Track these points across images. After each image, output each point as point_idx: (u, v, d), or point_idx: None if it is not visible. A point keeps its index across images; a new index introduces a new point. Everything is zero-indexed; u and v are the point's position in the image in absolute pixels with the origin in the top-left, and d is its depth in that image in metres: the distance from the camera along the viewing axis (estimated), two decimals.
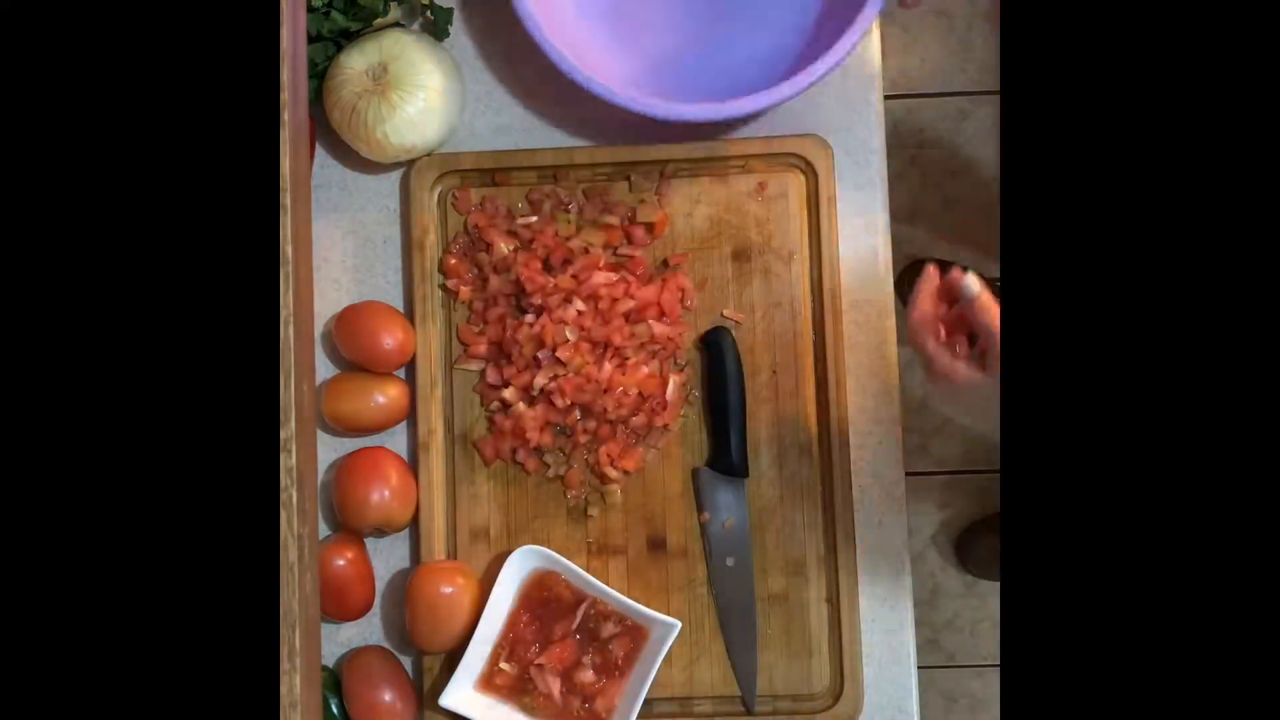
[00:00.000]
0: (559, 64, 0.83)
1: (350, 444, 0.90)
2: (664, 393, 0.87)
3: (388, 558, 0.90)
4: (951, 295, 0.70)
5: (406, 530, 0.90)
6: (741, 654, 0.86)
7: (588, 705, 0.84)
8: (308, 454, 0.61)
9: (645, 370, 0.87)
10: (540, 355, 0.87)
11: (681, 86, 0.90)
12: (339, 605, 0.87)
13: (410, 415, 0.90)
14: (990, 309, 0.67)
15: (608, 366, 0.86)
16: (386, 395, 0.88)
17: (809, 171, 0.89)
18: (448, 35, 0.91)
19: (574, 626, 0.85)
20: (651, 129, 0.87)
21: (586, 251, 0.89)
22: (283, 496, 0.57)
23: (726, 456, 0.86)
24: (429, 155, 0.90)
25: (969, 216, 1.63)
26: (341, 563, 0.86)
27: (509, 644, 0.85)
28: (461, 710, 0.84)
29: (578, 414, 0.87)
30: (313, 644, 0.61)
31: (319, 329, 0.91)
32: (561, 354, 0.86)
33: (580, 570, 0.84)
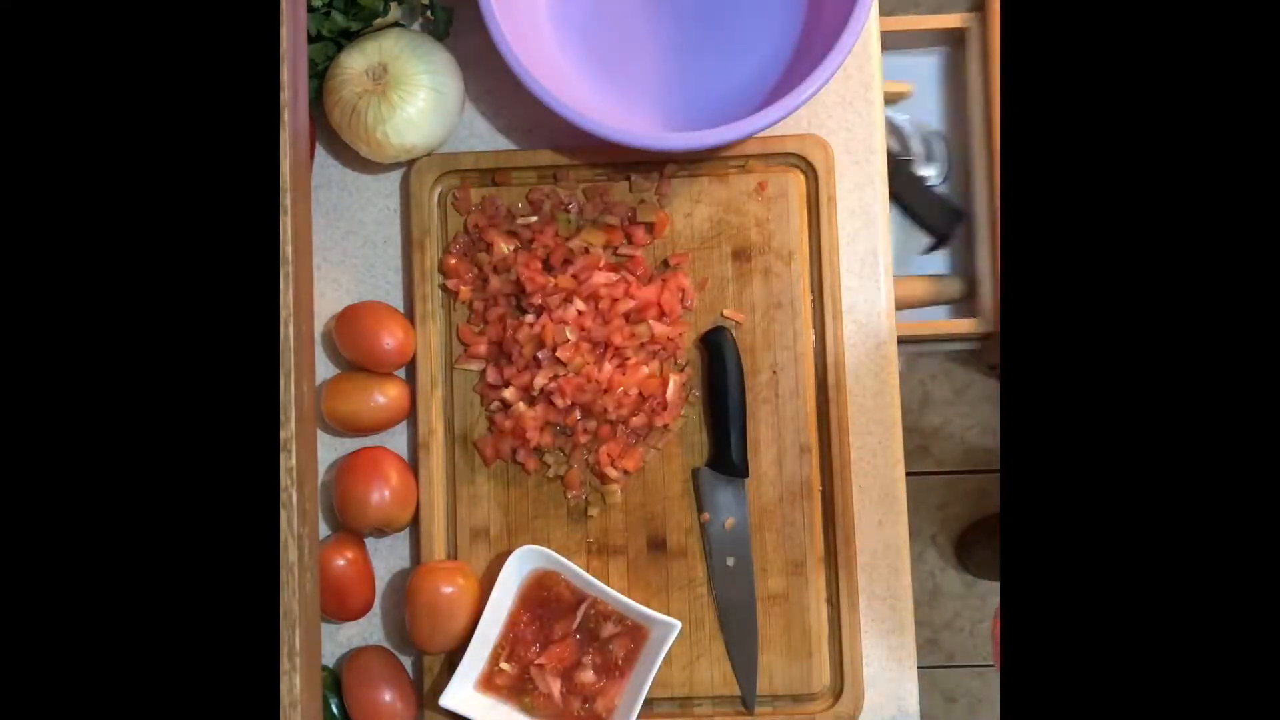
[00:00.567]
0: (548, 102, 0.84)
1: (350, 444, 0.90)
2: (664, 393, 0.87)
3: (388, 558, 0.90)
4: None
5: (406, 530, 0.90)
6: (741, 654, 0.86)
7: (588, 705, 0.84)
8: (308, 454, 0.61)
9: (645, 370, 0.87)
10: (540, 355, 0.87)
11: (668, 113, 0.91)
12: (339, 605, 0.87)
13: (410, 415, 0.90)
14: None
15: (608, 366, 0.87)
16: (386, 395, 0.88)
17: (809, 171, 0.89)
18: (448, 35, 0.92)
19: (574, 626, 0.85)
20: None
21: (586, 251, 0.89)
22: (283, 496, 0.57)
23: (726, 456, 0.86)
24: (429, 155, 0.90)
25: None
26: (341, 563, 0.86)
27: (509, 644, 0.85)
28: (461, 710, 0.84)
29: (578, 414, 0.87)
30: (313, 644, 0.61)
31: (319, 329, 0.91)
32: (561, 354, 0.86)
33: (580, 570, 0.84)
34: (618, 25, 0.92)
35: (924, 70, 1.43)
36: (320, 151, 0.93)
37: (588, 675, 0.84)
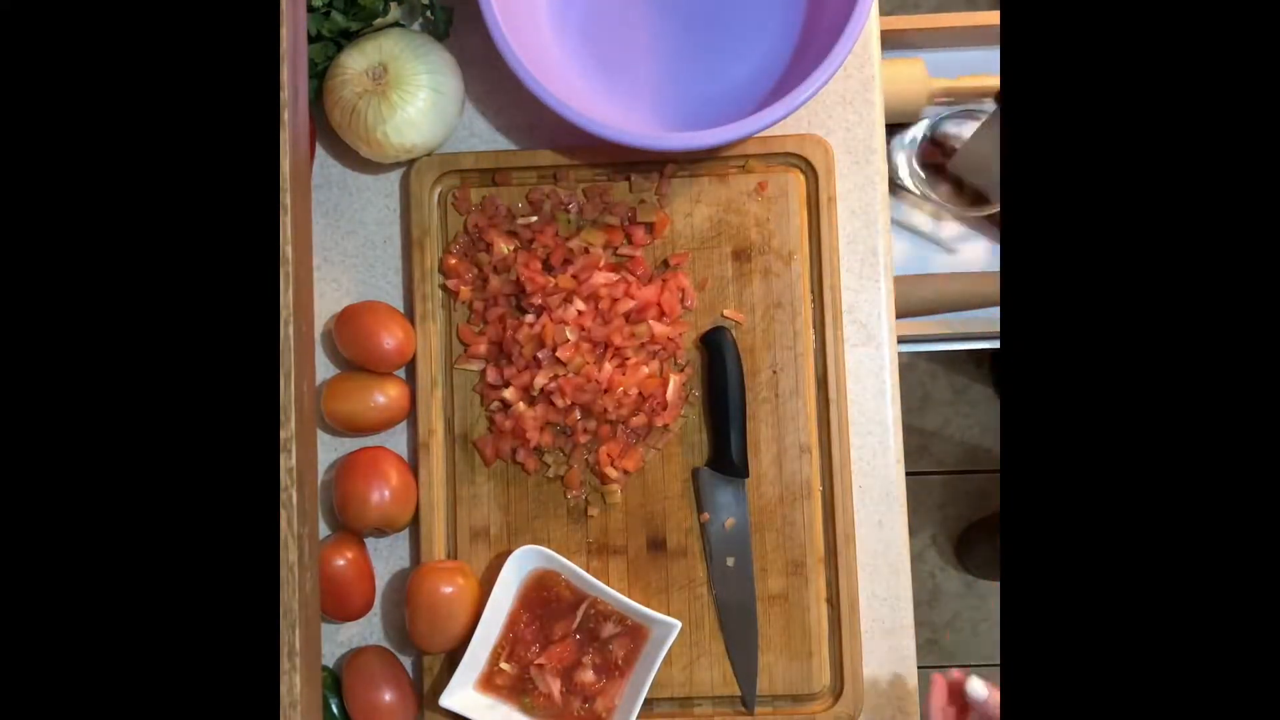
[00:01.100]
0: (548, 102, 0.84)
1: (350, 444, 0.90)
2: (664, 393, 0.87)
3: (388, 558, 0.90)
4: (961, 698, 0.77)
5: (406, 530, 0.90)
6: (741, 653, 0.86)
7: (588, 705, 0.84)
8: (308, 454, 0.61)
9: (645, 370, 0.87)
10: (540, 355, 0.87)
11: (668, 113, 0.91)
12: (339, 605, 0.87)
13: (410, 415, 0.90)
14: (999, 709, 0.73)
15: (608, 366, 0.87)
16: (386, 395, 0.88)
17: (809, 171, 0.89)
18: (448, 35, 0.92)
19: (574, 626, 0.85)
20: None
21: (586, 251, 0.89)
22: (283, 496, 0.57)
23: (726, 456, 0.86)
24: (429, 155, 0.90)
25: None
26: (341, 563, 0.86)
27: (509, 644, 0.85)
28: (461, 710, 0.84)
29: (578, 414, 0.87)
30: (313, 644, 0.61)
31: (319, 329, 0.91)
32: (561, 354, 0.86)
33: (580, 570, 0.84)
34: (618, 25, 0.92)
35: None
36: (320, 151, 0.93)
37: (588, 675, 0.84)
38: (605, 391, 0.86)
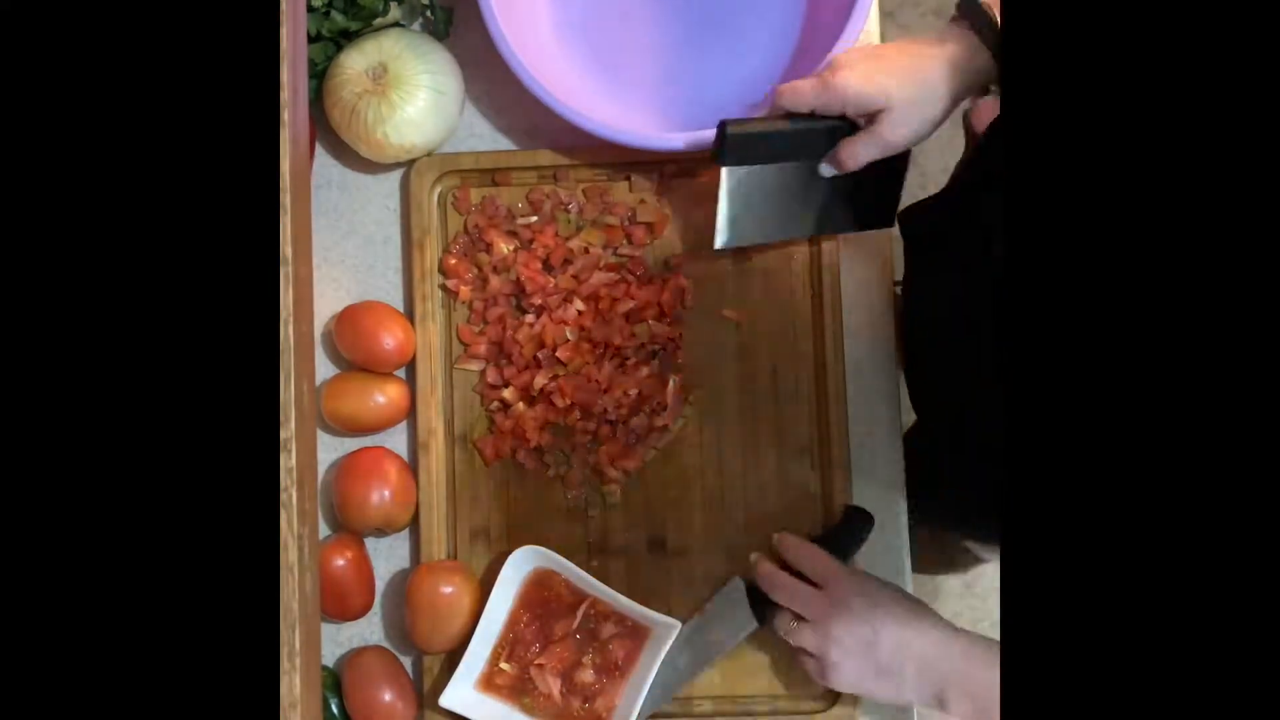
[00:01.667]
0: (548, 102, 0.84)
1: (350, 444, 0.90)
2: (664, 393, 0.87)
3: (388, 558, 0.90)
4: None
5: (406, 530, 0.90)
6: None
7: (588, 705, 0.84)
8: (308, 454, 0.61)
9: (645, 370, 0.87)
10: (540, 355, 0.87)
11: (668, 113, 0.91)
12: (339, 605, 0.87)
13: (410, 415, 0.90)
14: (812, 557, 0.80)
15: (607, 366, 0.87)
16: (386, 395, 0.88)
17: None
18: (448, 35, 0.92)
19: (574, 626, 0.85)
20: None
21: (586, 251, 0.89)
22: (283, 496, 0.57)
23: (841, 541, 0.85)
24: (429, 155, 0.90)
25: None
26: (341, 563, 0.86)
27: (509, 644, 0.85)
28: (461, 710, 0.84)
29: (577, 414, 0.87)
30: (313, 644, 0.61)
31: (319, 329, 0.91)
32: (561, 354, 0.86)
33: (580, 570, 0.84)
34: (618, 25, 0.93)
35: None
36: (320, 151, 0.93)
37: (588, 675, 0.84)
38: (605, 391, 0.86)
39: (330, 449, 0.91)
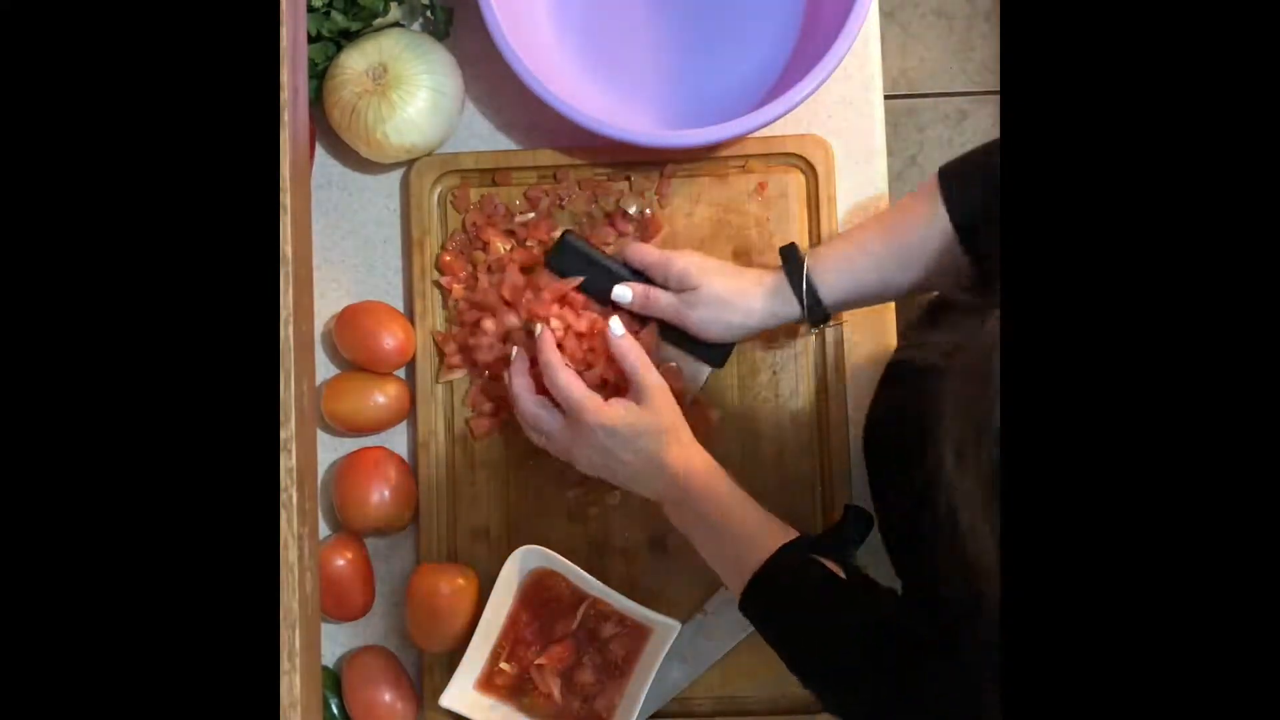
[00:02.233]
0: (549, 101, 0.84)
1: (350, 444, 0.90)
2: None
3: (388, 558, 0.90)
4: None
5: (406, 530, 0.90)
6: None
7: (588, 705, 0.84)
8: (308, 454, 0.61)
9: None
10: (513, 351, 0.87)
11: (668, 112, 0.91)
12: (339, 605, 0.87)
13: (410, 415, 0.90)
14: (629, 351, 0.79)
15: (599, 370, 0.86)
16: (386, 395, 0.88)
17: (809, 171, 0.89)
18: (448, 35, 0.91)
19: (574, 626, 0.85)
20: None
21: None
22: (283, 496, 0.57)
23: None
24: (429, 155, 0.90)
25: None
26: (341, 563, 0.86)
27: (509, 644, 0.85)
28: (461, 710, 0.84)
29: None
30: (313, 644, 0.61)
31: (319, 329, 0.91)
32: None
33: (580, 570, 0.84)
34: (617, 24, 0.92)
35: None
36: (320, 151, 0.93)
37: (588, 675, 0.84)
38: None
39: (330, 449, 0.91)
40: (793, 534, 0.76)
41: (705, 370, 0.87)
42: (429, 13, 0.91)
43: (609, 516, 0.88)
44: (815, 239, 0.89)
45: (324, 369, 0.91)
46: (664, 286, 0.83)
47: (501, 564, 0.85)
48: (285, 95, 0.58)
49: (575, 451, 0.80)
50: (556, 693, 0.84)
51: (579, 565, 0.85)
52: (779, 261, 0.81)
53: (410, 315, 0.90)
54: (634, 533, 0.88)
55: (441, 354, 0.88)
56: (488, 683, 0.85)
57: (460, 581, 0.85)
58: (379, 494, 0.86)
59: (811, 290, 0.80)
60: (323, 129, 0.91)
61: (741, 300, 0.81)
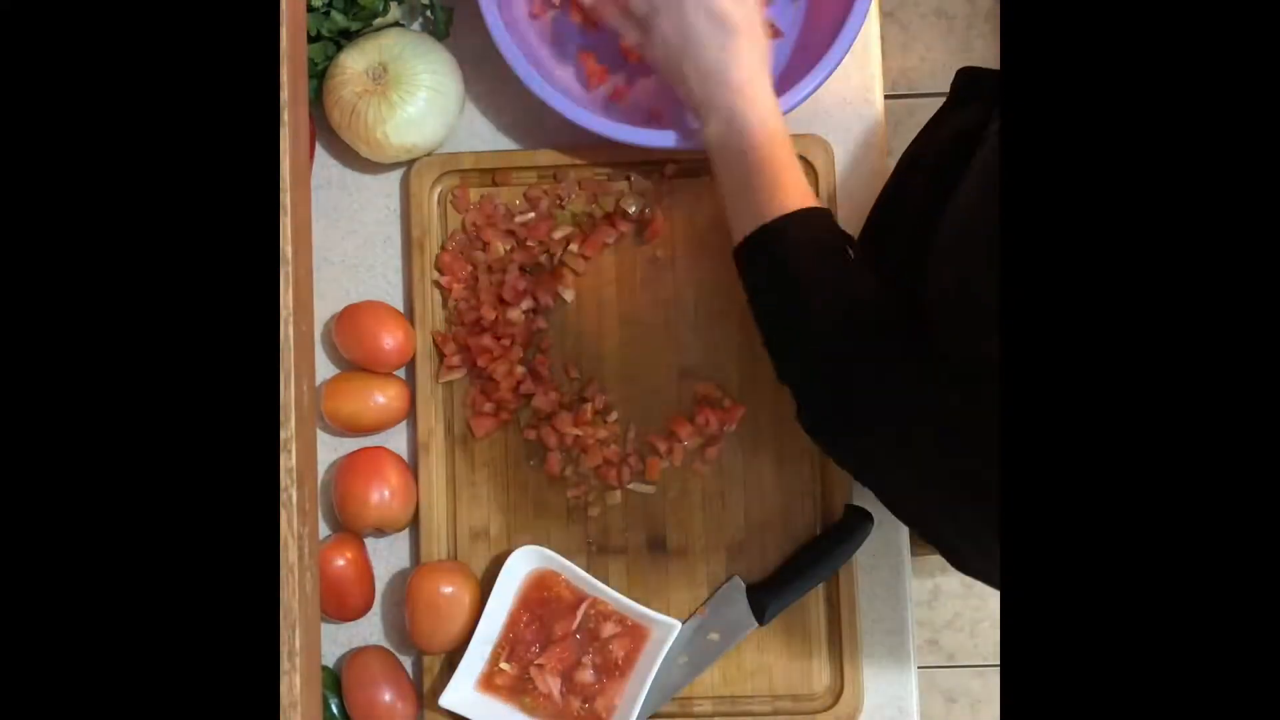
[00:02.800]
0: (549, 101, 0.84)
1: (350, 444, 0.90)
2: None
3: (388, 558, 0.90)
4: None
5: (406, 530, 0.90)
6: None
7: (588, 705, 0.84)
8: (308, 454, 0.61)
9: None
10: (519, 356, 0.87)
11: (667, 109, 0.91)
12: (339, 605, 0.87)
13: (410, 415, 0.90)
14: None
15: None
16: (386, 395, 0.88)
17: (809, 171, 0.89)
18: (448, 35, 0.91)
19: (574, 626, 0.85)
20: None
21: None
22: (283, 496, 0.57)
23: (762, 600, 0.85)
24: (429, 155, 0.90)
25: None
26: (341, 563, 0.86)
27: (509, 644, 0.85)
28: (461, 710, 0.84)
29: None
30: (313, 644, 0.61)
31: (319, 329, 0.91)
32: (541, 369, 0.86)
33: (580, 570, 0.84)
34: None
35: None
36: (320, 151, 0.93)
37: (588, 675, 0.84)
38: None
39: (330, 449, 0.91)
40: (824, 207, 0.74)
41: None
42: (429, 13, 0.91)
43: (609, 516, 0.88)
44: None
45: (324, 369, 0.91)
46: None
47: (501, 564, 0.85)
48: (285, 95, 0.58)
49: (658, 19, 0.77)
50: (556, 693, 0.84)
51: (579, 565, 0.85)
52: None
53: (410, 315, 0.90)
54: (634, 533, 0.88)
55: (441, 354, 0.88)
56: (488, 683, 0.85)
57: (460, 581, 0.85)
58: (379, 494, 0.86)
59: None
60: (323, 129, 0.91)
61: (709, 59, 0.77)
